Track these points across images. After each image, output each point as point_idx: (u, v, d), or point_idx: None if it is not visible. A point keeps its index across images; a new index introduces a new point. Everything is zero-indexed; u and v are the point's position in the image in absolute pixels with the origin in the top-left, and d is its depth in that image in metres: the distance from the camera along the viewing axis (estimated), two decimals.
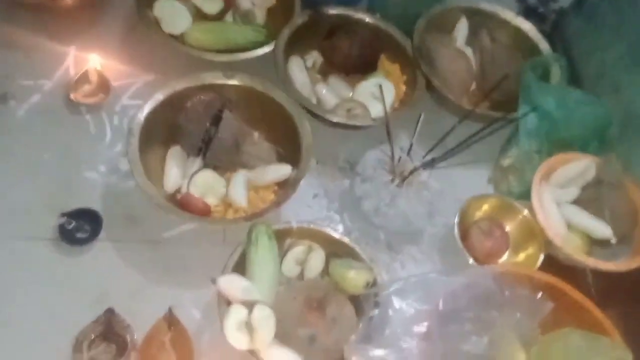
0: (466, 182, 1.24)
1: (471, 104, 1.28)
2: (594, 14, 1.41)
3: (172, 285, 1.03)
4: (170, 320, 0.95)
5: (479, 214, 1.17)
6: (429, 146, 1.15)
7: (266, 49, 1.25)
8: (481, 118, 1.22)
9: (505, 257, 1.14)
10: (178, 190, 1.09)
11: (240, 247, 0.99)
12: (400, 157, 1.11)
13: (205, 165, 1.11)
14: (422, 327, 0.89)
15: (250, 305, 0.89)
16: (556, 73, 1.33)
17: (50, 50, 1.26)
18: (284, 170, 1.10)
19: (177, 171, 1.10)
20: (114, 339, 0.94)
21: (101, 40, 1.30)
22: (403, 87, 1.32)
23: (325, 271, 1.03)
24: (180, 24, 1.26)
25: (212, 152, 1.09)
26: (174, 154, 1.12)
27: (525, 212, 1.14)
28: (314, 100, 1.24)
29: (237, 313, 0.89)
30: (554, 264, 1.11)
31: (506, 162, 1.25)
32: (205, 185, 1.07)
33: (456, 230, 1.11)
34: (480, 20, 1.42)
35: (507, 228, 1.15)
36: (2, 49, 1.25)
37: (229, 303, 0.92)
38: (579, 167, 1.18)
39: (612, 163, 1.17)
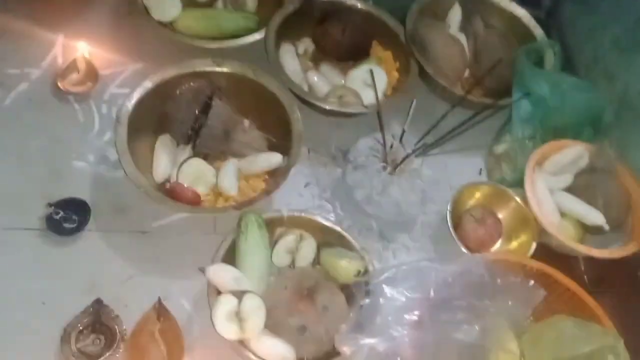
0: (459, 170, 1.24)
1: (465, 90, 1.26)
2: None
3: (162, 275, 1.02)
4: (160, 310, 0.94)
5: (471, 202, 1.16)
6: (422, 133, 1.14)
7: (257, 36, 1.23)
8: (475, 105, 1.21)
9: (498, 245, 1.13)
10: (167, 180, 1.08)
11: (231, 236, 0.98)
12: (392, 145, 1.10)
13: (195, 154, 1.10)
14: (413, 316, 0.88)
15: (240, 295, 0.89)
16: (550, 59, 1.32)
17: (38, 38, 1.24)
18: (274, 158, 1.09)
19: (167, 160, 1.08)
20: (102, 329, 0.93)
21: (89, 28, 1.27)
22: (396, 74, 1.31)
23: (317, 260, 1.02)
24: (170, 11, 1.24)
25: (201, 140, 1.08)
26: (163, 142, 1.11)
27: (518, 199, 1.13)
28: (305, 88, 1.23)
29: (226, 303, 0.88)
30: (547, 252, 1.11)
31: (499, 149, 1.25)
32: (195, 174, 1.06)
33: (449, 219, 1.10)
34: (473, 6, 1.40)
35: (500, 216, 1.14)
36: None
37: (218, 293, 0.91)
38: (572, 154, 1.17)
39: (606, 150, 1.16)
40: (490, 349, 0.89)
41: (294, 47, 1.28)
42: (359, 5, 1.33)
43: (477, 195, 1.16)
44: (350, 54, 1.29)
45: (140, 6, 1.23)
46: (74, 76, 1.20)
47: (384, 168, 1.09)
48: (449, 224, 1.10)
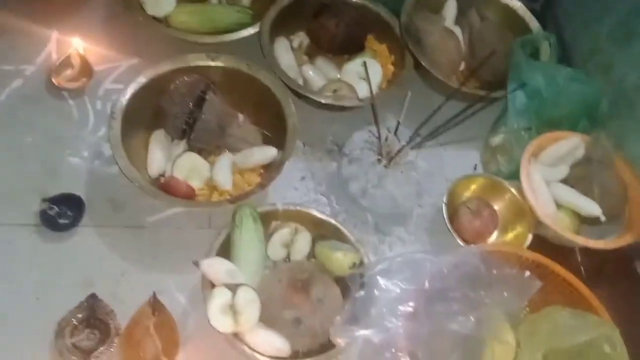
0: (455, 162, 1.24)
1: (459, 83, 1.26)
2: None
3: (157, 270, 1.02)
4: (155, 305, 0.94)
5: (467, 194, 1.16)
6: (417, 126, 1.13)
7: (251, 30, 1.23)
8: (470, 98, 1.21)
9: (494, 236, 1.13)
10: (162, 174, 1.08)
11: (226, 230, 0.98)
12: (387, 137, 1.09)
13: (190, 149, 1.10)
14: (408, 307, 0.88)
15: (234, 288, 0.89)
16: (546, 51, 1.32)
17: (32, 34, 1.24)
18: (269, 152, 1.09)
19: (161, 155, 1.08)
20: (97, 324, 0.93)
21: (84, 24, 1.28)
22: (391, 68, 1.30)
23: (312, 254, 1.02)
24: (164, 6, 1.24)
25: (196, 134, 1.08)
26: (158, 137, 1.10)
27: (514, 191, 1.13)
28: (300, 82, 1.23)
29: (220, 296, 0.88)
30: (544, 243, 1.11)
31: (495, 141, 1.24)
32: (189, 168, 1.06)
33: (444, 211, 1.10)
34: None
35: (496, 207, 1.14)
36: None
37: (213, 286, 0.91)
38: (568, 145, 1.17)
39: (602, 141, 1.16)
40: (485, 340, 0.89)
41: (288, 41, 1.28)
42: None
43: (473, 187, 1.16)
44: (345, 48, 1.28)
45: (134, 2, 1.23)
46: (69, 72, 1.20)
47: (379, 161, 1.09)
48: (445, 216, 1.09)
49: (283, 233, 1.01)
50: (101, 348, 0.91)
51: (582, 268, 1.13)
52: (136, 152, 1.07)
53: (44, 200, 1.02)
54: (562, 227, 1.08)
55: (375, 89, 1.21)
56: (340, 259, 0.96)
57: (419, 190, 1.13)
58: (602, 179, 1.14)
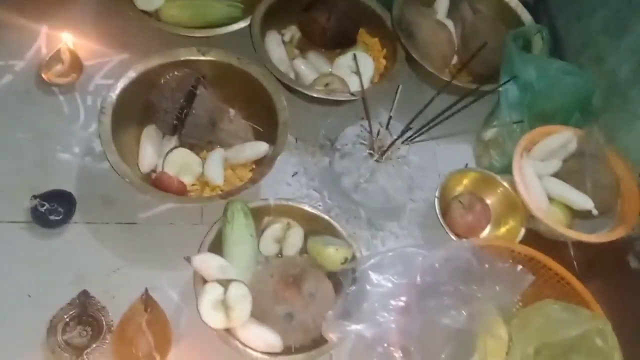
0: (448, 157, 1.24)
1: (453, 78, 1.25)
2: None
3: (149, 266, 1.02)
4: (147, 301, 0.93)
5: (459, 189, 1.16)
6: (410, 120, 1.13)
7: (242, 24, 1.22)
8: (462, 91, 1.20)
9: (486, 231, 1.13)
10: (154, 170, 1.08)
11: (217, 225, 0.98)
12: (379, 132, 1.09)
13: (181, 144, 1.09)
14: (400, 302, 0.88)
15: (226, 284, 0.88)
16: (538, 44, 1.32)
17: (21, 30, 1.23)
18: (261, 147, 1.08)
19: (152, 150, 1.08)
20: (89, 321, 0.93)
21: (73, 19, 1.26)
22: (383, 61, 1.30)
23: (304, 249, 1.02)
24: (155, 1, 1.23)
25: (187, 129, 1.07)
26: (149, 133, 1.10)
27: (506, 185, 1.13)
28: (292, 76, 1.22)
29: (212, 291, 0.87)
30: (536, 237, 1.11)
31: (488, 135, 1.24)
32: (181, 163, 1.05)
33: (437, 206, 1.10)
34: None
35: (488, 202, 1.14)
36: None
37: (205, 282, 0.91)
38: (561, 139, 1.17)
39: (594, 135, 1.16)
40: (478, 334, 0.89)
41: (279, 35, 1.27)
42: None
43: (465, 181, 1.16)
44: (337, 42, 1.28)
45: None
46: (59, 67, 1.19)
47: (371, 155, 1.09)
48: (437, 210, 1.09)
49: (275, 228, 1.00)
50: (93, 345, 0.90)
51: (574, 262, 1.13)
52: (127, 147, 1.07)
53: (35, 197, 1.01)
54: (554, 221, 1.08)
55: (367, 83, 1.21)
56: (332, 254, 0.96)
57: (411, 185, 1.13)
58: (594, 173, 1.14)
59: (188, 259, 0.90)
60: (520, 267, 0.95)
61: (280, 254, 1.02)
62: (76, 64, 1.20)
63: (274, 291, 0.92)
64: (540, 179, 1.14)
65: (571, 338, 0.87)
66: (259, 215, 1.02)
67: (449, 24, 1.36)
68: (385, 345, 0.84)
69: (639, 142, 1.16)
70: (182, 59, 1.12)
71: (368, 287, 0.89)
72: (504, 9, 1.40)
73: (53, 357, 0.89)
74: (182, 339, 0.95)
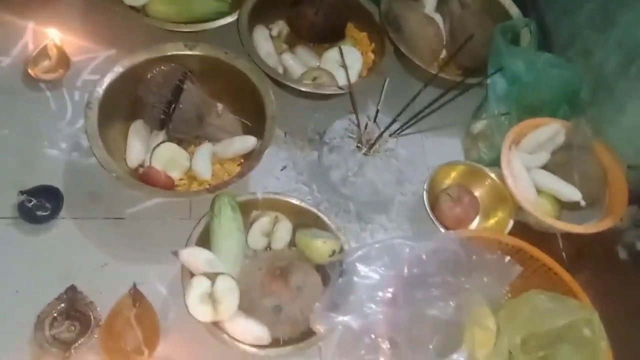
0: (437, 150, 1.24)
1: (441, 70, 1.25)
2: None
3: (137, 261, 1.01)
4: (135, 296, 0.93)
5: (448, 181, 1.16)
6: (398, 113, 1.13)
7: (230, 19, 1.22)
8: (451, 85, 1.20)
9: (475, 223, 1.13)
10: (141, 165, 1.07)
11: (205, 219, 0.98)
12: (366, 125, 1.09)
13: (169, 139, 1.09)
14: (387, 293, 0.88)
15: (213, 277, 0.88)
16: (526, 37, 1.32)
17: (8, 25, 1.23)
18: (249, 141, 1.08)
19: (140, 145, 1.07)
20: (77, 316, 0.92)
21: (60, 15, 1.26)
22: (371, 56, 1.30)
23: (293, 242, 1.02)
24: None
25: (174, 124, 1.07)
26: (136, 128, 1.09)
27: (493, 176, 1.13)
28: (280, 70, 1.22)
29: (199, 285, 0.87)
30: (525, 229, 1.11)
31: (476, 129, 1.24)
32: (168, 158, 1.05)
33: (425, 198, 1.10)
34: None
35: (477, 194, 1.14)
36: None
37: (193, 276, 0.90)
38: (549, 131, 1.17)
39: (582, 127, 1.16)
40: (466, 325, 0.89)
41: (267, 30, 1.27)
42: None
43: (453, 174, 1.16)
44: (325, 36, 1.28)
45: None
46: (45, 63, 1.18)
47: (359, 149, 1.09)
48: (426, 203, 1.09)
49: (263, 222, 1.00)
50: (81, 339, 0.90)
51: (563, 253, 1.13)
52: (115, 143, 1.06)
53: (22, 192, 1.01)
54: (542, 213, 1.08)
55: (355, 77, 1.22)
56: (320, 247, 0.96)
57: (400, 178, 1.13)
58: (582, 165, 1.14)
59: (175, 253, 0.90)
60: (508, 258, 0.96)
61: (268, 247, 1.02)
62: (63, 60, 1.19)
63: (261, 284, 0.92)
64: (529, 171, 1.14)
65: (559, 328, 0.88)
66: (247, 209, 1.01)
67: (437, 18, 1.36)
68: (373, 336, 0.85)
69: (626, 134, 1.17)
70: (169, 53, 1.12)
71: (355, 279, 0.89)
72: (492, 3, 1.40)
73: (41, 352, 0.89)
74: (171, 332, 0.95)
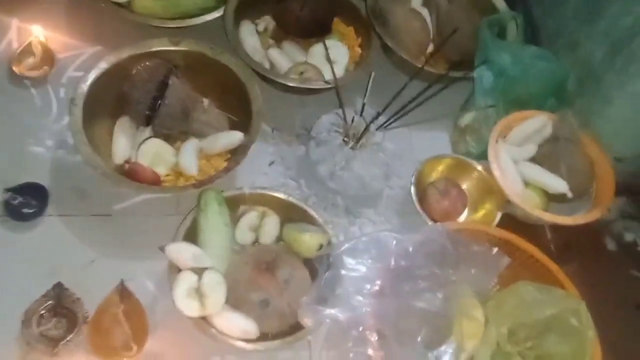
0: (425, 144, 1.24)
1: (427, 65, 1.26)
2: None
3: (124, 257, 1.01)
4: (123, 292, 0.93)
5: (435, 175, 1.16)
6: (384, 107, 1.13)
7: (216, 14, 1.22)
8: (438, 79, 1.20)
9: (463, 216, 1.14)
10: (127, 162, 1.07)
11: (192, 215, 0.97)
12: (353, 119, 1.09)
13: (155, 135, 1.08)
14: (375, 286, 0.88)
15: (200, 272, 0.88)
16: (512, 31, 1.32)
17: None
18: (235, 137, 1.08)
19: (126, 142, 1.07)
20: (64, 313, 0.92)
21: (45, 11, 1.25)
22: (358, 50, 1.30)
23: (281, 237, 1.02)
24: None
25: (160, 120, 1.06)
26: (122, 124, 1.09)
27: (480, 168, 1.13)
28: (266, 66, 1.22)
29: (186, 280, 0.87)
30: (513, 222, 1.11)
31: (464, 122, 1.24)
32: (154, 154, 1.05)
33: (413, 192, 1.10)
34: None
35: (464, 187, 1.14)
36: None
37: (180, 272, 0.90)
38: (536, 124, 1.17)
39: (568, 119, 1.16)
40: (454, 317, 0.89)
41: (254, 25, 1.27)
42: None
43: (441, 167, 1.16)
44: (311, 31, 1.27)
45: None
46: (30, 60, 1.17)
47: (345, 143, 1.09)
48: (414, 197, 1.09)
49: (250, 216, 1.00)
50: (69, 336, 0.90)
51: (552, 245, 1.14)
52: (100, 139, 1.06)
53: (7, 190, 1.00)
54: (530, 205, 1.09)
55: (342, 71, 1.22)
56: (307, 241, 0.96)
57: (387, 172, 1.13)
58: (569, 157, 1.14)
59: (162, 249, 0.90)
60: (495, 249, 0.96)
61: (256, 242, 1.02)
62: (48, 57, 1.18)
63: (248, 278, 0.91)
64: (516, 163, 1.14)
65: (546, 318, 0.88)
66: (235, 204, 1.01)
67: (424, 12, 1.36)
68: (360, 329, 0.85)
69: (613, 126, 1.17)
70: (154, 49, 1.11)
71: (343, 271, 0.89)
72: None
73: (28, 349, 0.89)
74: (159, 328, 0.94)
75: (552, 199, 1.14)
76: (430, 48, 1.35)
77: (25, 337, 0.89)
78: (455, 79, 1.19)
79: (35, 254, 0.99)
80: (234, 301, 0.90)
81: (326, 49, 1.16)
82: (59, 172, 1.07)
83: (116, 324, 0.90)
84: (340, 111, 1.13)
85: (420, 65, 1.21)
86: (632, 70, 1.11)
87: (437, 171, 1.16)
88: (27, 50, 1.17)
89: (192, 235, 0.96)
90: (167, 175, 1.06)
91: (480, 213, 1.13)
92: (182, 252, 0.91)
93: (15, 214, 1.00)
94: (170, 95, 1.05)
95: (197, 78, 1.13)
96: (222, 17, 1.20)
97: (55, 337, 0.90)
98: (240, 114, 1.12)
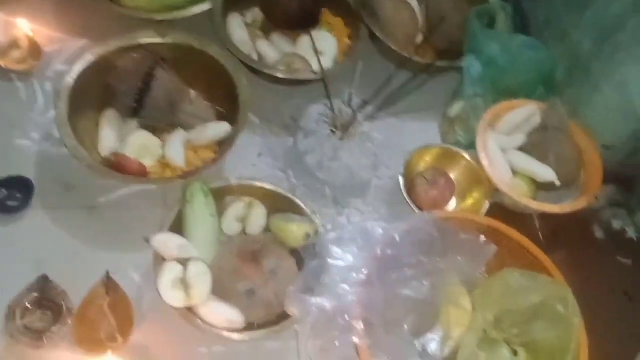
0: (414, 134, 1.23)
1: (418, 56, 1.25)
2: None
3: (110, 250, 1.01)
4: (108, 284, 0.92)
5: (423, 165, 1.16)
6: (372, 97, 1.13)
7: (204, 7, 1.21)
8: (426, 68, 1.20)
9: (452, 205, 1.13)
10: (114, 154, 1.06)
11: (178, 206, 0.97)
12: (341, 109, 1.09)
13: (142, 127, 1.08)
14: (361, 275, 0.87)
15: (185, 262, 0.88)
16: (502, 21, 1.31)
17: None
18: (222, 128, 1.07)
19: (112, 134, 1.06)
20: (49, 305, 0.91)
21: (32, 5, 1.24)
22: (347, 41, 1.29)
23: (268, 227, 1.01)
24: None
25: (146, 112, 1.06)
26: (109, 117, 1.08)
27: (469, 158, 1.13)
28: (255, 57, 1.21)
29: (171, 270, 0.87)
30: (502, 210, 1.11)
31: (453, 112, 1.24)
32: (140, 146, 1.04)
33: (401, 182, 1.10)
34: None
35: (452, 176, 1.14)
36: None
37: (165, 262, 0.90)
38: (524, 113, 1.17)
39: (557, 108, 1.16)
40: (441, 304, 0.89)
41: (242, 17, 1.26)
42: None
43: (429, 157, 1.16)
44: (300, 22, 1.26)
45: None
46: (16, 54, 1.17)
47: (333, 133, 1.08)
48: (402, 187, 1.09)
49: (237, 207, 1.00)
50: (53, 329, 0.89)
51: (540, 234, 1.13)
52: (87, 132, 1.05)
53: None
54: (518, 194, 1.08)
55: (330, 63, 1.21)
56: (294, 231, 0.95)
57: (376, 162, 1.13)
58: (557, 146, 1.14)
59: (147, 239, 0.90)
60: (482, 238, 0.95)
61: (243, 233, 1.01)
62: (35, 50, 1.18)
63: (234, 268, 0.91)
64: (505, 152, 1.14)
65: (533, 305, 0.87)
66: (222, 196, 1.01)
67: (413, 2, 1.35)
68: (347, 317, 0.84)
69: (601, 114, 1.17)
70: (141, 41, 1.11)
71: (329, 261, 0.88)
72: None
73: (12, 341, 0.88)
74: (145, 320, 0.94)
75: (541, 188, 1.14)
76: (420, 39, 1.35)
77: (9, 329, 0.88)
78: (444, 69, 1.19)
79: (20, 247, 0.99)
80: (220, 291, 0.90)
81: (312, 40, 1.15)
82: (44, 165, 1.07)
83: (101, 316, 0.89)
84: (328, 102, 1.12)
85: (409, 56, 1.21)
86: (620, 58, 1.11)
87: (426, 161, 1.16)
88: (13, 44, 1.17)
89: (178, 227, 0.95)
90: (153, 167, 1.06)
91: (469, 202, 1.13)
92: (167, 243, 0.90)
93: (0, 207, 0.99)
94: (156, 87, 1.05)
95: (185, 70, 1.12)
96: (211, 9, 1.20)
97: (40, 330, 0.89)
98: (227, 105, 1.11)
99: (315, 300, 0.85)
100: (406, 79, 1.15)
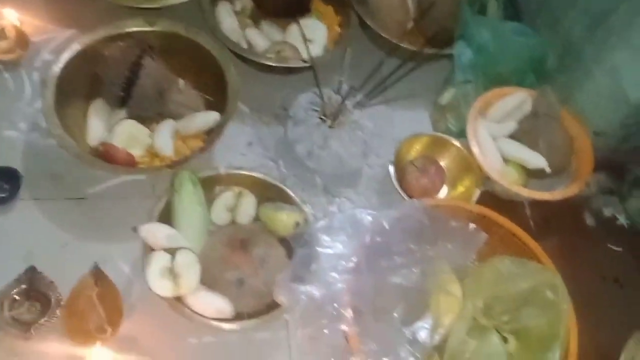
0: (405, 123, 1.23)
1: (409, 43, 1.24)
2: None
3: (99, 240, 1.00)
4: (97, 275, 0.92)
5: (413, 153, 1.15)
6: (362, 85, 1.12)
7: None
8: (416, 55, 1.19)
9: (443, 192, 1.13)
10: (102, 143, 1.05)
11: (166, 196, 0.96)
12: (330, 97, 1.08)
13: (130, 116, 1.07)
14: (350, 262, 0.87)
15: (173, 252, 0.87)
16: (493, 8, 1.31)
17: None
18: (210, 117, 1.06)
19: (100, 124, 1.06)
20: (37, 297, 0.91)
21: None
22: (338, 29, 1.28)
23: (257, 217, 1.01)
24: None
25: (134, 101, 1.05)
26: (97, 106, 1.08)
27: (458, 144, 1.12)
28: (244, 46, 1.20)
29: (159, 260, 0.86)
30: (493, 198, 1.11)
31: (444, 100, 1.23)
32: (128, 135, 1.03)
33: (392, 170, 1.09)
34: None
35: (442, 163, 1.13)
36: None
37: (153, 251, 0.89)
38: (515, 100, 1.16)
39: (548, 95, 1.16)
40: (431, 292, 0.89)
41: (231, 5, 1.25)
42: None
43: (419, 145, 1.16)
44: (290, 10, 1.26)
45: None
46: (3, 44, 1.15)
47: (323, 121, 1.08)
48: (392, 175, 1.09)
49: (226, 197, 0.99)
50: (42, 320, 0.89)
51: (531, 221, 1.13)
52: (74, 122, 1.04)
53: None
54: (509, 181, 1.08)
55: (321, 51, 1.20)
56: (284, 219, 0.95)
57: (366, 150, 1.12)
58: (548, 133, 1.14)
59: (135, 229, 0.89)
60: (472, 225, 0.95)
61: (233, 222, 1.01)
62: (22, 40, 1.17)
63: (223, 257, 0.91)
64: (496, 140, 1.14)
65: (522, 291, 0.87)
66: (211, 185, 1.00)
67: None
68: (336, 305, 0.84)
69: (592, 100, 1.16)
70: (129, 30, 1.10)
71: (318, 249, 0.88)
72: None
73: (0, 333, 0.88)
74: (134, 310, 0.93)
75: (531, 175, 1.14)
76: (410, 25, 1.33)
77: None
78: (435, 57, 1.18)
79: (8, 238, 0.98)
80: (209, 281, 0.90)
81: (300, 28, 1.14)
82: (32, 156, 1.06)
83: (90, 306, 0.89)
84: (318, 90, 1.11)
85: (400, 44, 1.20)
86: (611, 43, 1.10)
87: (416, 149, 1.15)
88: (0, 34, 1.15)
89: (167, 217, 0.95)
90: (142, 156, 1.05)
91: (460, 190, 1.12)
92: (155, 232, 0.90)
93: None
94: (144, 75, 1.04)
95: (173, 58, 1.11)
96: None
97: (28, 321, 0.89)
98: (216, 94, 1.10)
99: (305, 288, 0.84)
100: (396, 66, 1.14)
